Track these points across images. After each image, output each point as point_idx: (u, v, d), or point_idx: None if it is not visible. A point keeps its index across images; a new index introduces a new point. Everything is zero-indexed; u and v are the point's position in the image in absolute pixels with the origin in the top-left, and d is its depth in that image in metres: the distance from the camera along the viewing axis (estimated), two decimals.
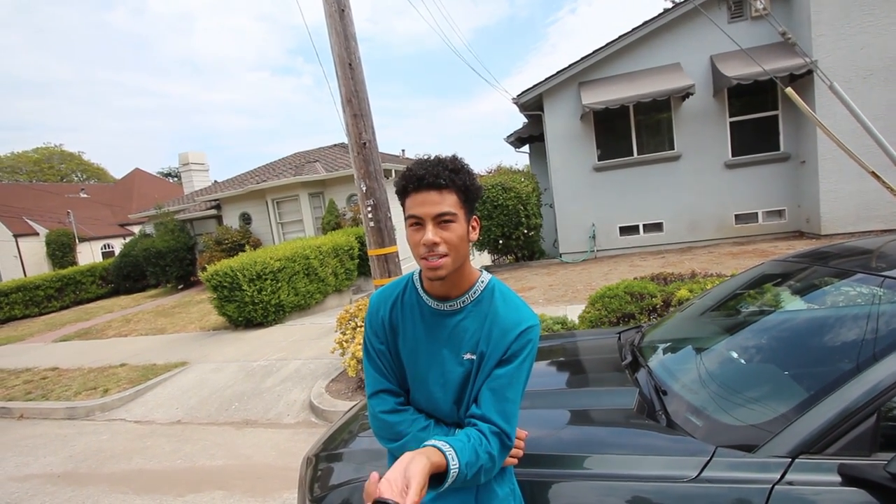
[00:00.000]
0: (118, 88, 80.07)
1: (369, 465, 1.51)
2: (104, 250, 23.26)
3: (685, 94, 8.01)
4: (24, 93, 71.71)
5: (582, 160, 9.03)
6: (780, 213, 8.33)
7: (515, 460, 1.11)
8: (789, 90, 3.09)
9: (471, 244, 1.08)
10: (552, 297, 6.37)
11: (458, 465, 0.88)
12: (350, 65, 3.67)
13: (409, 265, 12.27)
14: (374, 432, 1.11)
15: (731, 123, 8.35)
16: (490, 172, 9.93)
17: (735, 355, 1.64)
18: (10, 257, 21.55)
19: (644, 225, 8.93)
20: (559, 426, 1.47)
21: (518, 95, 9.15)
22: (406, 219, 1.01)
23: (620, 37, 8.48)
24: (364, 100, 3.75)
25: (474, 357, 1.04)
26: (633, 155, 8.81)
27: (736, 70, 7.50)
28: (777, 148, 8.20)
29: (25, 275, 19.20)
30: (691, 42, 8.29)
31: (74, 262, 20.54)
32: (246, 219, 13.43)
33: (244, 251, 9.49)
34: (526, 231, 8.89)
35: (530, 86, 9.05)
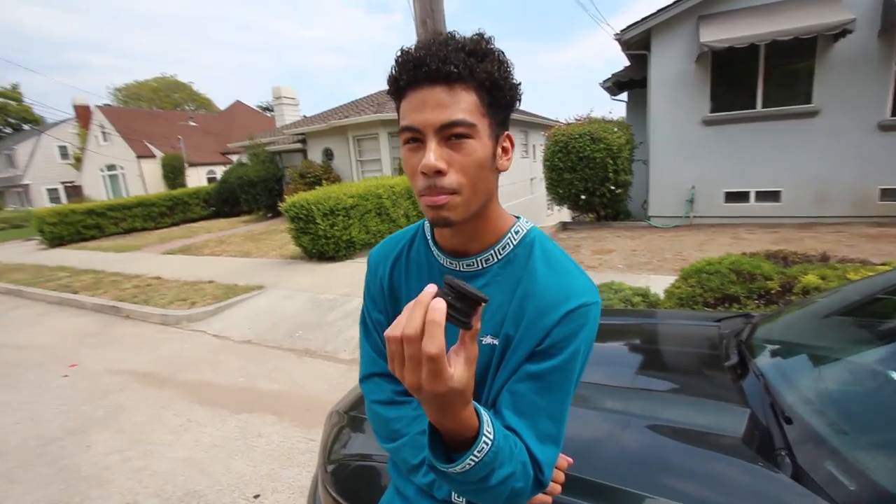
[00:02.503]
0: (226, 23, 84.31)
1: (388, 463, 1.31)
2: (208, 175, 25.45)
3: (840, 31, 6.43)
4: (146, 27, 78.40)
5: (690, 110, 7.82)
6: None
7: (549, 499, 0.77)
8: None
9: (498, 173, 0.72)
10: (634, 264, 5.76)
11: (491, 440, 0.59)
12: None
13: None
14: (371, 425, 0.83)
15: None
16: (579, 120, 9.00)
17: None
18: (134, 176, 24.44)
19: (757, 192, 7.67)
20: (622, 443, 1.12)
21: (622, 31, 7.98)
22: (400, 133, 0.67)
23: None
24: (440, 21, 3.33)
25: (496, 342, 0.71)
26: (755, 108, 7.43)
27: None
28: None
29: (146, 192, 21.67)
30: None
31: (184, 185, 22.75)
32: (328, 154, 13.75)
33: (324, 185, 9.71)
34: (613, 188, 8.06)
35: (639, 19, 7.83)
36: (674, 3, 7.50)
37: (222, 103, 41.46)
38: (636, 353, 1.69)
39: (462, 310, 0.51)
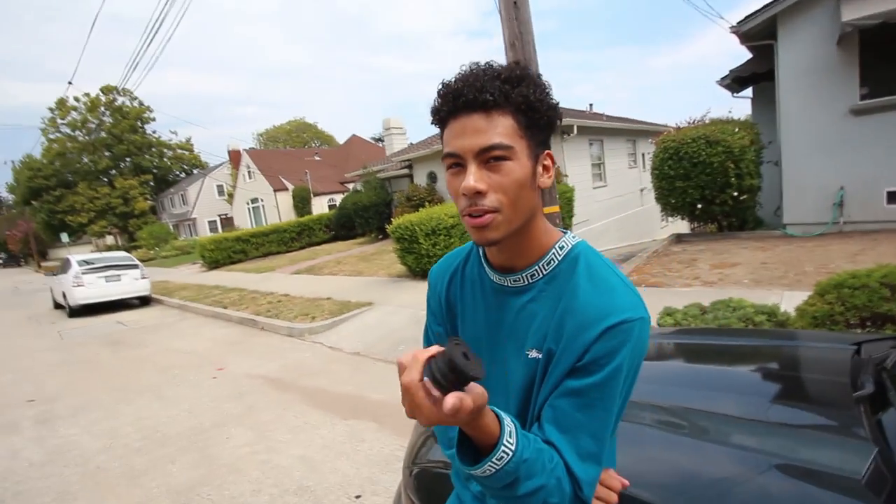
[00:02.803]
0: (344, 66, 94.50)
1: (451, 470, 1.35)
2: (329, 203, 28.30)
3: None
4: (282, 77, 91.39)
5: (833, 100, 6.70)
6: None
7: None
8: None
9: (540, 192, 0.73)
10: (763, 279, 5.04)
11: (513, 447, 0.60)
12: (515, 3, 3.31)
13: (581, 230, 11.46)
14: (433, 432, 0.90)
15: None
16: (692, 123, 8.24)
17: None
18: (271, 207, 28.23)
19: None
20: (713, 474, 1.01)
21: (740, 22, 7.19)
22: (443, 159, 0.71)
23: None
24: (529, 43, 3.37)
25: (540, 356, 0.72)
26: None
27: None
28: None
29: (280, 221, 24.87)
30: None
31: (310, 212, 25.62)
32: (432, 178, 14.44)
33: (427, 207, 10.22)
34: (736, 194, 7.19)
35: (759, 7, 7.00)
36: None
37: (341, 137, 46.14)
38: (740, 376, 1.51)
39: (450, 377, 0.53)
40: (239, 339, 6.66)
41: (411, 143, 19.15)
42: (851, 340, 1.61)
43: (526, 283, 0.76)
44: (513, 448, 0.60)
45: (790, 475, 0.95)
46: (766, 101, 8.34)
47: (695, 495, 0.96)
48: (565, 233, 0.79)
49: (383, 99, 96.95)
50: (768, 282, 4.91)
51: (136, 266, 11.49)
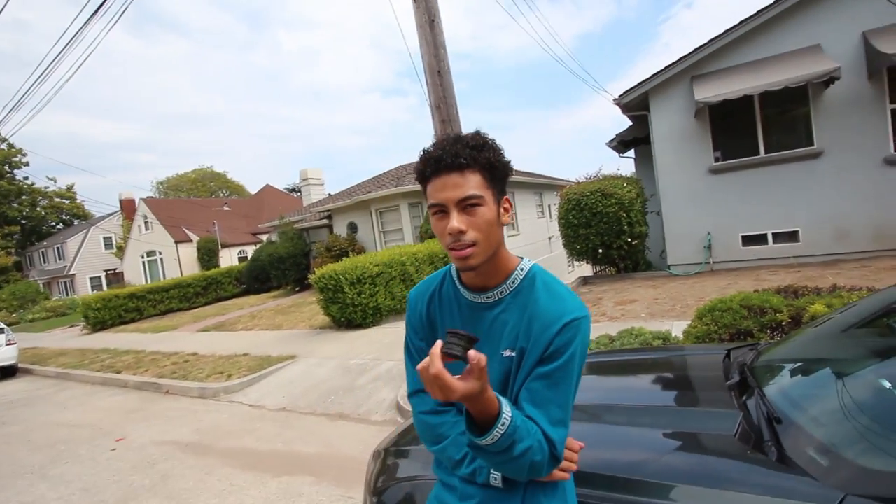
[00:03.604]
0: (257, 118, 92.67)
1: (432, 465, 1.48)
2: (240, 255, 26.72)
3: (828, 79, 6.82)
4: (189, 126, 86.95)
5: (695, 162, 8.15)
6: None
7: (567, 475, 0.97)
8: None
9: (503, 227, 0.98)
10: (656, 312, 5.79)
11: (510, 417, 0.81)
12: (439, 72, 3.74)
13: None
14: (418, 433, 1.05)
15: (893, 111, 6.90)
16: (589, 178, 9.43)
17: (888, 385, 1.30)
18: (172, 260, 25.88)
19: (774, 234, 7.73)
20: (640, 447, 1.29)
21: (620, 95, 8.59)
22: (429, 207, 0.93)
23: (743, 21, 7.52)
24: (452, 105, 3.80)
25: (514, 354, 0.93)
26: (758, 154, 7.70)
27: None
28: None
29: (182, 275, 22.84)
30: (835, 18, 7.05)
31: (217, 265, 23.91)
32: (353, 227, 14.48)
33: (349, 257, 10.20)
34: (629, 240, 8.25)
35: (634, 84, 8.45)
36: (666, 67, 8.12)
37: (253, 188, 44.35)
38: (647, 380, 1.83)
39: (459, 346, 0.76)
40: (139, 406, 5.95)
41: (330, 194, 19.11)
42: (723, 348, 2.03)
43: (497, 298, 0.98)
44: (510, 415, 0.81)
45: (686, 438, 1.23)
46: (646, 160, 9.83)
47: (615, 459, 1.20)
48: (521, 259, 1.03)
49: (298, 150, 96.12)
50: (661, 314, 5.65)
51: (0, 330, 9.82)
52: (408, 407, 4.15)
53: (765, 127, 7.70)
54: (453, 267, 1.07)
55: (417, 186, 11.05)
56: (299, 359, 6.68)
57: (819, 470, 0.98)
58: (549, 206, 17.17)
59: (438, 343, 0.77)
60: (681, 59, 7.99)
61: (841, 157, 7.20)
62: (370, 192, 13.63)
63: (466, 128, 4.15)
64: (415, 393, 1.05)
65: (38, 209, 37.75)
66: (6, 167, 34.69)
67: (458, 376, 0.76)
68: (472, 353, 0.75)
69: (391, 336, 7.19)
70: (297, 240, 15.99)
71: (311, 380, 5.69)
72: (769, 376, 1.54)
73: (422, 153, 0.94)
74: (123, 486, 3.51)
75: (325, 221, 15.62)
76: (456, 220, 0.87)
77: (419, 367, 0.77)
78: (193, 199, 35.56)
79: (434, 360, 0.75)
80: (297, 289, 15.89)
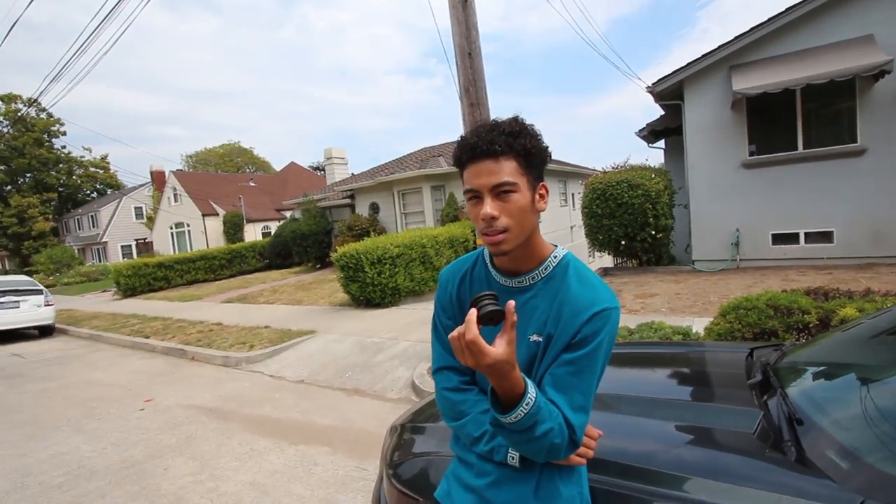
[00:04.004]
0: (284, 95, 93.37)
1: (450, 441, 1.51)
2: (263, 231, 27.24)
3: (878, 72, 6.46)
4: (216, 101, 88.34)
5: (728, 155, 7.89)
6: None
7: (583, 460, 0.99)
8: None
9: (539, 213, 0.98)
10: (677, 307, 5.70)
11: (534, 398, 0.82)
12: (470, 54, 3.69)
13: None
14: (439, 409, 1.08)
15: None
16: (616, 168, 9.22)
17: None
18: (198, 232, 26.58)
19: (806, 234, 7.47)
20: (655, 438, 1.29)
21: (654, 83, 8.32)
22: (464, 193, 0.95)
23: (790, 8, 7.14)
24: (482, 89, 3.76)
25: (541, 339, 0.94)
26: (796, 149, 7.40)
27: None
28: None
29: (208, 247, 23.46)
30: (892, 6, 6.64)
31: (242, 239, 24.46)
32: (374, 208, 14.57)
33: (370, 237, 10.30)
34: (653, 233, 8.08)
35: (669, 72, 8.17)
36: (704, 55, 7.81)
37: (278, 164, 44.99)
38: (667, 374, 1.82)
39: (492, 302, 0.81)
40: (166, 371, 6.22)
41: (353, 174, 19.22)
42: (746, 347, 2.00)
43: (528, 284, 0.99)
44: (535, 395, 0.83)
45: (703, 432, 1.24)
46: (676, 152, 9.56)
47: (630, 448, 1.21)
48: (556, 246, 1.03)
49: (322, 129, 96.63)
50: (682, 309, 5.57)
51: (39, 292, 10.33)
52: (423, 386, 4.23)
53: (805, 121, 7.37)
54: (486, 249, 1.08)
55: (440, 169, 11.10)
56: (318, 334, 6.84)
57: (839, 473, 0.97)
58: (573, 194, 16.91)
59: (473, 311, 0.79)
60: (720, 47, 7.67)
61: (885, 156, 6.86)
62: (393, 173, 13.66)
63: (494, 112, 4.10)
64: (439, 370, 1.07)
65: (74, 178, 39.11)
66: (45, 136, 35.89)
67: (496, 341, 0.80)
68: (509, 303, 0.81)
69: (409, 317, 7.28)
70: (319, 218, 16.19)
71: (329, 355, 5.83)
72: (793, 377, 1.51)
73: (459, 139, 0.95)
74: (151, 444, 3.70)
75: (347, 201, 15.75)
76: (489, 207, 0.89)
77: (452, 335, 0.80)
78: (220, 174, 36.30)
79: (470, 325, 0.77)
80: (317, 266, 16.16)
